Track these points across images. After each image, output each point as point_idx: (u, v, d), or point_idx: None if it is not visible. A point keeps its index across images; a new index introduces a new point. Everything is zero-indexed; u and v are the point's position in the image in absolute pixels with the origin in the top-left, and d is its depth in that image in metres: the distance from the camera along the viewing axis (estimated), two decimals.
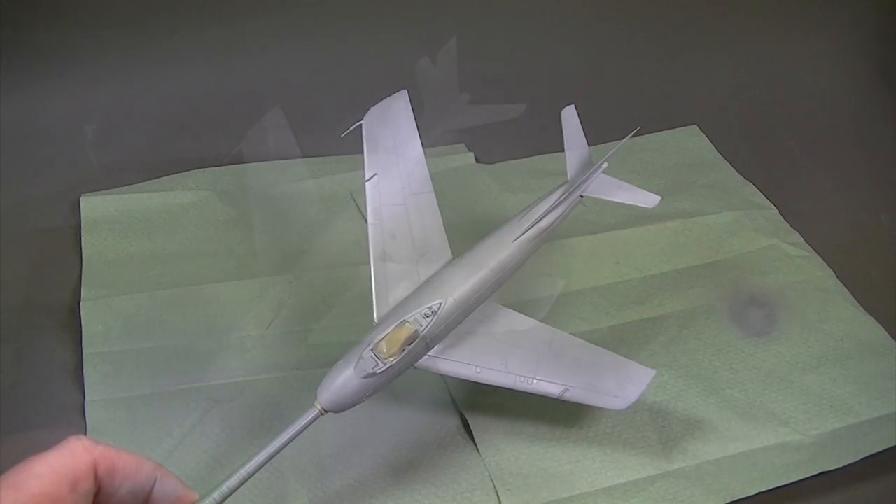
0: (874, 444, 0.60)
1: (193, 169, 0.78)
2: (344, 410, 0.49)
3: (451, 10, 0.93)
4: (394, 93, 0.61)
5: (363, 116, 0.59)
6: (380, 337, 0.50)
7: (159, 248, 0.71)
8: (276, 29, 0.90)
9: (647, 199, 0.63)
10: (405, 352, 0.50)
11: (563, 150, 0.84)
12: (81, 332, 0.63)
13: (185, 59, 0.88)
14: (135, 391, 0.60)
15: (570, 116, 0.62)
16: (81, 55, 0.86)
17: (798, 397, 0.63)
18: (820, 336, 0.67)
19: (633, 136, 0.65)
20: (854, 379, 0.64)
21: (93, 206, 0.74)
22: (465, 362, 0.53)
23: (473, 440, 0.58)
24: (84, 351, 0.62)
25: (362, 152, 0.82)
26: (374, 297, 0.53)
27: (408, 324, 0.51)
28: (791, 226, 0.77)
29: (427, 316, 0.51)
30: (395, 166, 0.59)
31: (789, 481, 0.58)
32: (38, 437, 0.51)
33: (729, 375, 0.64)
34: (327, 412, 0.48)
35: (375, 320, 0.53)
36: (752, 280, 0.72)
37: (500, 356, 0.54)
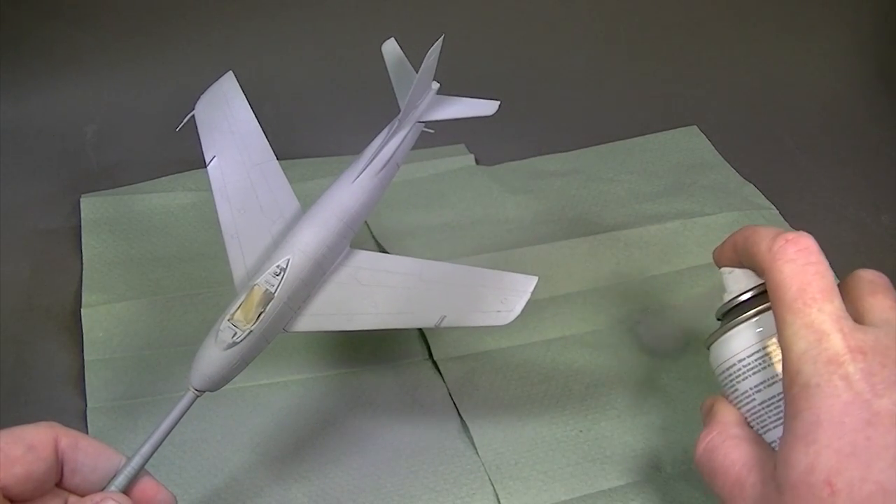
0: None
1: (193, 169, 0.78)
2: (219, 388, 0.48)
3: (450, 10, 0.93)
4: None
5: (194, 106, 0.59)
6: (235, 306, 0.49)
7: (160, 250, 0.71)
8: (277, 29, 0.90)
9: (485, 108, 0.59)
10: (262, 315, 0.49)
11: (563, 151, 0.85)
12: (83, 337, 0.63)
13: (186, 59, 0.88)
14: (136, 397, 0.60)
15: (391, 51, 0.59)
16: (81, 55, 0.86)
17: None
18: None
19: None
20: None
21: (93, 206, 0.74)
22: (333, 314, 0.52)
23: (473, 444, 0.58)
24: (86, 358, 0.62)
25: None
26: (232, 275, 0.52)
27: (257, 286, 0.49)
28: (791, 226, 0.77)
29: (277, 274, 0.50)
30: (232, 144, 0.57)
31: None
32: None
33: None
34: (202, 392, 0.48)
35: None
36: None
37: (369, 299, 0.52)
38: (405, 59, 0.58)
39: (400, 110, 0.57)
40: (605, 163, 0.84)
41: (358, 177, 0.55)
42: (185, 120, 0.58)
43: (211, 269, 0.69)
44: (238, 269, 0.53)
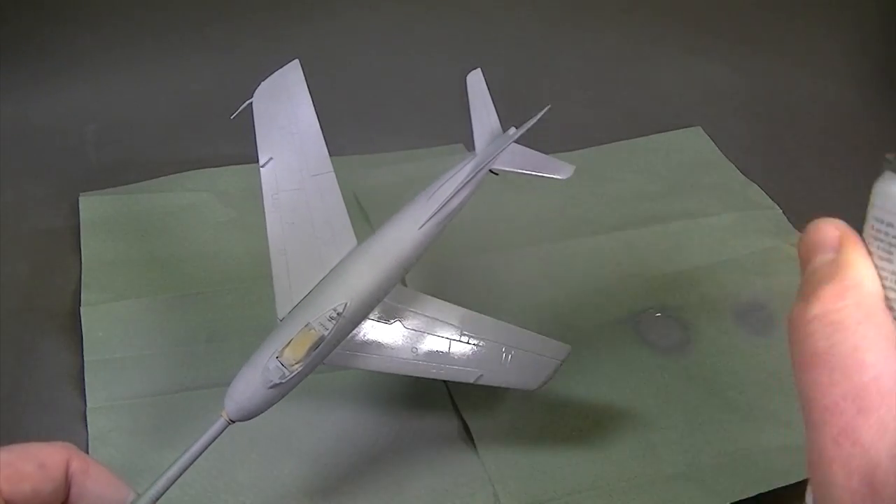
0: None
1: (193, 169, 0.78)
2: (252, 418, 0.47)
3: (451, 11, 0.93)
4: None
5: (252, 94, 0.54)
6: (284, 343, 0.47)
7: (158, 249, 0.71)
8: (277, 29, 0.90)
9: (560, 171, 0.58)
10: (311, 357, 0.48)
11: (564, 150, 0.85)
12: (83, 337, 0.63)
13: (185, 59, 0.88)
14: (136, 398, 0.59)
15: (476, 82, 0.57)
16: (81, 55, 0.86)
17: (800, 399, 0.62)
18: None
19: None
20: None
21: (91, 206, 0.74)
22: (372, 354, 0.51)
23: (473, 444, 0.58)
24: (85, 358, 0.62)
25: (363, 153, 0.83)
26: (275, 292, 0.51)
27: (312, 330, 0.48)
28: (793, 226, 0.77)
29: (332, 318, 0.48)
30: (290, 147, 0.54)
31: (790, 482, 0.58)
32: None
33: (730, 377, 0.64)
34: (234, 422, 0.47)
35: (279, 318, 0.50)
36: (755, 281, 0.72)
37: (410, 344, 0.52)
38: (488, 93, 0.57)
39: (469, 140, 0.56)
40: (609, 163, 0.84)
41: (425, 223, 0.53)
42: (242, 108, 0.54)
43: (211, 269, 0.69)
44: (282, 288, 0.51)
